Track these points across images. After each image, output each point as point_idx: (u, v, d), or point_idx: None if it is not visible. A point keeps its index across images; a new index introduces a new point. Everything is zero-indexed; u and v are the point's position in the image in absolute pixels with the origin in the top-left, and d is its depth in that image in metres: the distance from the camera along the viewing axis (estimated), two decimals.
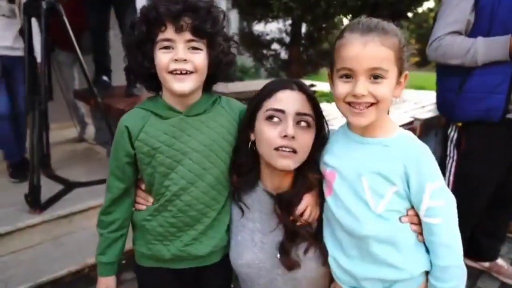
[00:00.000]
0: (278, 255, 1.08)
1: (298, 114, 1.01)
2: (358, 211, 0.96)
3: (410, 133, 0.99)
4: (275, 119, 1.02)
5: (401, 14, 2.35)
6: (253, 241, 1.12)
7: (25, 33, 2.42)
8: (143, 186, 1.13)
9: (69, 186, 2.64)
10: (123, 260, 1.24)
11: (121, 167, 1.07)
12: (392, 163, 0.93)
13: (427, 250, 0.97)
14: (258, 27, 3.27)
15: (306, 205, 1.08)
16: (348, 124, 1.03)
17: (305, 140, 1.02)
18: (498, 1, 1.60)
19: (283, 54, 3.36)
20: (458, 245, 0.93)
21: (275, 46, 3.35)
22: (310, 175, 1.07)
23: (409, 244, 0.96)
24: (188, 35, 0.97)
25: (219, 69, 1.07)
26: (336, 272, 1.06)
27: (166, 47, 0.97)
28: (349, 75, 0.91)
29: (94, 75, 3.36)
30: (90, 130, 3.80)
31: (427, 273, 0.98)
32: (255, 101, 1.08)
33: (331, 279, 1.12)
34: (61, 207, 2.40)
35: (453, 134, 1.83)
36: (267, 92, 1.06)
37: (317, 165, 1.09)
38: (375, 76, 0.89)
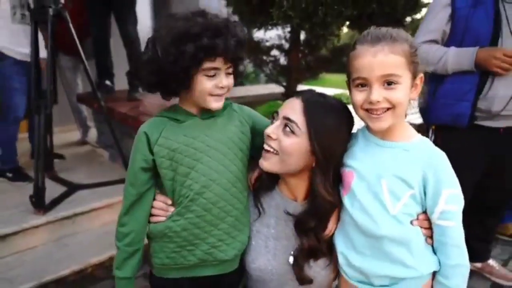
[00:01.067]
0: (292, 260, 1.11)
1: (285, 118, 1.05)
2: (375, 212, 1.00)
3: (428, 140, 1.03)
4: (272, 119, 1.10)
5: (397, 22, 2.41)
6: (267, 247, 1.15)
7: (31, 39, 2.47)
8: (160, 198, 1.14)
9: (72, 188, 2.69)
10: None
11: (136, 172, 1.08)
12: (412, 167, 0.98)
13: (434, 252, 1.03)
14: (258, 34, 3.33)
15: (330, 230, 1.11)
16: (368, 128, 1.07)
17: (287, 144, 1.03)
18: (471, 15, 1.69)
19: (282, 60, 3.43)
20: (465, 246, 0.99)
21: (274, 52, 3.42)
22: (326, 197, 1.05)
23: (420, 246, 1.01)
24: (228, 63, 1.05)
25: (237, 81, 1.15)
26: (344, 268, 1.09)
27: (212, 75, 1.03)
28: (364, 84, 0.96)
29: (97, 79, 3.42)
30: (93, 133, 3.85)
31: (433, 273, 1.03)
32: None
33: (334, 279, 1.17)
34: (64, 208, 2.44)
35: (430, 136, 1.91)
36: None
37: (333, 186, 1.07)
38: (389, 82, 0.94)
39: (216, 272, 1.15)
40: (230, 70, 1.07)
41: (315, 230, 1.09)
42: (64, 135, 3.86)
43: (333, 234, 1.12)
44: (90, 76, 2.76)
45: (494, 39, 1.66)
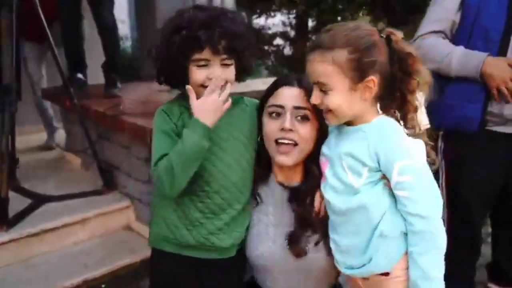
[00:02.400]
0: (287, 244, 1.36)
1: (296, 108, 1.33)
2: (341, 192, 1.26)
3: (386, 118, 1.25)
4: (275, 114, 1.35)
5: (417, 9, 2.53)
6: (268, 234, 1.43)
7: None
8: None
9: (38, 200, 2.77)
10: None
11: (169, 136, 1.32)
12: (365, 146, 1.21)
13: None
14: (259, 21, 3.45)
15: (319, 200, 1.39)
16: None
17: (304, 132, 1.33)
18: (483, 4, 1.77)
19: (287, 50, 3.55)
20: (429, 213, 1.17)
21: (278, 41, 3.54)
22: (314, 170, 1.38)
23: (384, 206, 1.23)
24: (223, 55, 1.28)
25: (243, 75, 1.42)
26: (335, 254, 1.33)
27: (203, 65, 1.28)
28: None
29: (67, 72, 3.46)
30: (60, 136, 3.92)
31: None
32: (262, 99, 1.41)
33: (339, 271, 1.39)
34: (31, 224, 2.51)
35: (439, 142, 1.98)
36: (270, 89, 1.41)
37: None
38: (323, 89, 1.20)
39: (211, 256, 1.42)
40: (228, 62, 1.31)
41: (306, 198, 1.38)
42: (26, 137, 3.92)
43: (324, 217, 1.37)
44: (61, 67, 2.85)
45: (506, 34, 1.75)
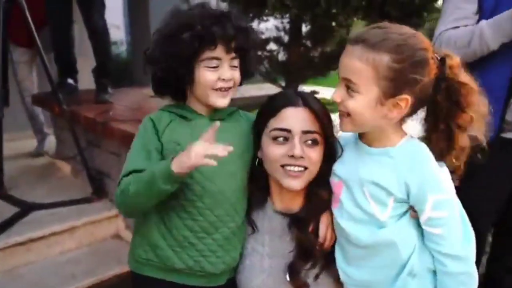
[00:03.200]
0: (288, 277, 1.24)
1: (305, 132, 1.20)
2: (362, 222, 1.14)
3: (416, 142, 1.14)
4: (281, 139, 1.21)
5: (413, 14, 2.54)
6: (262, 266, 1.30)
7: None
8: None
9: (26, 208, 2.71)
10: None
11: (147, 151, 1.22)
12: (393, 175, 1.10)
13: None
14: (251, 25, 3.45)
15: (326, 226, 1.26)
16: (359, 135, 1.21)
17: (313, 157, 1.21)
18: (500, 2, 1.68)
19: (281, 56, 3.54)
20: (464, 253, 1.08)
21: (271, 46, 3.53)
22: (321, 192, 1.26)
23: (413, 242, 1.14)
24: (232, 54, 1.21)
25: (246, 79, 1.34)
26: (347, 285, 1.22)
27: (214, 67, 1.20)
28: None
29: (57, 77, 3.46)
30: (51, 143, 3.88)
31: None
32: (260, 119, 1.28)
33: None
34: (17, 233, 2.47)
35: None
36: (271, 110, 1.25)
37: (327, 180, 1.27)
38: (348, 87, 1.07)
39: (199, 283, 1.28)
40: (235, 63, 1.24)
41: (309, 225, 1.26)
42: (15, 144, 3.88)
43: (331, 247, 1.26)
44: (50, 72, 2.82)
45: None
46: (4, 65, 2.64)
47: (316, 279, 1.25)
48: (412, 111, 1.11)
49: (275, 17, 3.38)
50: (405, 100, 1.05)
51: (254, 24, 3.31)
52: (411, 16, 2.69)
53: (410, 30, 1.08)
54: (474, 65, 1.68)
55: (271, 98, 1.31)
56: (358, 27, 5.37)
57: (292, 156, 1.18)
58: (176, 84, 1.25)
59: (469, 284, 1.10)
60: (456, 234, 1.09)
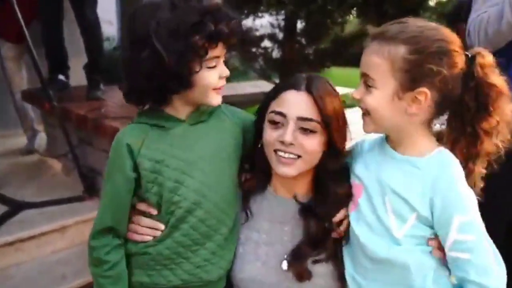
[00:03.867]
0: (285, 266, 1.17)
1: (300, 119, 1.12)
2: (378, 233, 1.07)
3: (447, 155, 1.05)
4: (277, 122, 1.14)
5: (410, 12, 2.52)
6: (256, 254, 1.22)
7: None
8: (142, 206, 1.17)
9: (16, 207, 2.66)
10: None
11: (117, 194, 1.13)
12: (417, 187, 1.02)
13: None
14: (246, 22, 3.41)
15: (341, 217, 1.19)
16: (387, 138, 1.14)
17: (307, 145, 1.12)
18: None
19: (276, 53, 3.51)
20: (492, 280, 1.00)
21: (266, 43, 3.49)
22: (335, 188, 1.19)
23: (430, 268, 1.06)
24: (225, 50, 1.13)
25: None
26: None
27: (214, 66, 1.11)
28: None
29: (48, 73, 3.38)
30: (42, 140, 3.81)
31: None
32: (264, 101, 1.23)
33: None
34: (6, 232, 2.43)
35: None
36: (273, 92, 1.21)
37: (343, 175, 1.20)
38: (368, 84, 1.04)
39: None
40: (225, 58, 1.16)
41: (324, 218, 1.18)
42: (5, 141, 3.83)
43: (338, 240, 1.19)
44: (39, 68, 2.76)
45: None
46: None
47: (315, 264, 1.17)
48: (438, 111, 1.04)
49: (270, 14, 3.34)
50: (424, 93, 0.99)
51: (249, 21, 3.26)
52: (408, 13, 2.67)
53: (432, 24, 1.04)
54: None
55: (279, 82, 1.29)
56: (353, 24, 5.35)
57: (282, 142, 1.12)
58: (170, 89, 1.10)
59: None
60: (487, 259, 1.00)
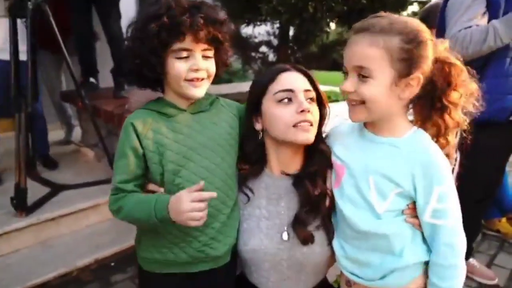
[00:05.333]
0: (286, 237, 1.11)
1: (305, 90, 1.09)
2: (361, 209, 1.01)
3: (422, 134, 1.00)
4: (286, 100, 1.07)
5: None
6: (259, 227, 1.15)
7: (10, 35, 2.39)
8: (151, 186, 1.09)
9: (56, 188, 2.63)
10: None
11: (130, 164, 1.03)
12: (400, 166, 0.96)
13: (424, 241, 1.01)
14: (246, 30, 3.31)
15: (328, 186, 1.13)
16: (364, 122, 1.07)
17: (315, 112, 1.10)
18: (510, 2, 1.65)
19: (271, 57, 3.43)
20: (461, 245, 0.96)
21: (263, 48, 3.41)
22: (325, 147, 1.14)
23: (406, 235, 1.00)
24: (204, 45, 1.02)
25: (222, 71, 1.14)
26: (339, 256, 1.10)
27: (184, 57, 1.01)
28: (346, 72, 0.97)
29: (81, 76, 3.34)
30: (77, 132, 3.76)
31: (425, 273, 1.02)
32: (259, 89, 1.13)
33: (329, 265, 1.18)
34: (48, 210, 2.39)
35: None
36: (269, 77, 1.12)
37: (323, 138, 1.17)
38: (362, 74, 0.93)
39: (207, 267, 1.13)
40: (209, 54, 1.05)
41: (314, 179, 1.11)
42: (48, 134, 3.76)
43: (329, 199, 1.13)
44: (73, 73, 2.69)
45: None
46: (34, 68, 2.49)
47: (315, 218, 1.11)
48: (420, 94, 0.97)
49: (266, 23, 3.25)
50: (417, 78, 0.93)
51: (249, 29, 3.16)
52: None
53: (407, 17, 0.99)
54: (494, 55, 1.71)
55: (265, 71, 1.19)
56: (336, 32, 5.24)
57: (302, 111, 1.05)
58: (151, 75, 1.04)
59: (461, 277, 0.97)
60: (459, 224, 0.96)
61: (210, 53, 1.05)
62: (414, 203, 0.99)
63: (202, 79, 1.04)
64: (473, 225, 2.10)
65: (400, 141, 0.98)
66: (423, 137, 0.99)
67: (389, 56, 0.90)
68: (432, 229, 0.97)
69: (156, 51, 0.99)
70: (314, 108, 1.10)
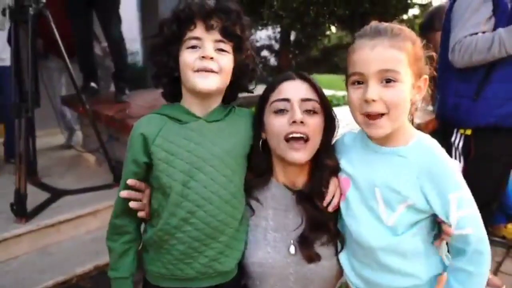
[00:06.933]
0: (293, 250, 1.07)
1: (303, 100, 1.03)
2: (368, 223, 0.96)
3: (427, 140, 0.95)
4: (282, 110, 1.03)
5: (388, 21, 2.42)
6: (266, 240, 1.09)
7: (12, 39, 2.38)
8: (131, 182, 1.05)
9: (56, 194, 2.60)
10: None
11: (128, 175, 1.03)
12: (406, 177, 0.91)
13: (436, 252, 0.97)
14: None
15: (334, 190, 1.07)
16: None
17: (314, 124, 1.02)
18: None
19: (273, 61, 3.41)
20: (489, 252, 0.91)
21: (264, 53, 3.39)
22: (328, 162, 1.07)
23: (419, 252, 0.95)
24: (217, 35, 0.97)
25: (243, 76, 1.07)
26: (348, 272, 1.05)
27: (193, 47, 0.97)
28: (360, 81, 0.91)
29: (82, 81, 3.32)
30: (78, 137, 3.75)
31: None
32: (262, 98, 1.10)
33: (338, 278, 1.13)
34: (48, 216, 2.35)
35: (458, 141, 1.84)
36: (270, 87, 1.09)
37: (332, 151, 1.10)
38: (387, 79, 0.87)
39: (214, 283, 1.08)
40: (224, 47, 0.99)
41: (318, 197, 1.07)
42: (46, 138, 3.74)
43: (335, 215, 1.08)
44: (74, 78, 2.68)
45: None
46: (35, 72, 2.48)
47: (320, 237, 1.07)
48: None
49: (267, 27, 3.23)
50: (425, 80, 0.93)
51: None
52: None
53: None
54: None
55: (272, 79, 1.14)
56: (337, 35, 5.23)
57: (294, 122, 0.99)
58: (165, 71, 1.02)
59: (484, 285, 0.91)
60: (483, 229, 0.91)
61: (225, 46, 0.99)
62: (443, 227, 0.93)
63: (212, 71, 0.97)
64: None
65: (406, 150, 0.94)
66: (429, 143, 0.95)
67: (409, 58, 0.88)
68: (461, 239, 0.90)
69: (169, 45, 0.98)
70: (312, 120, 1.02)
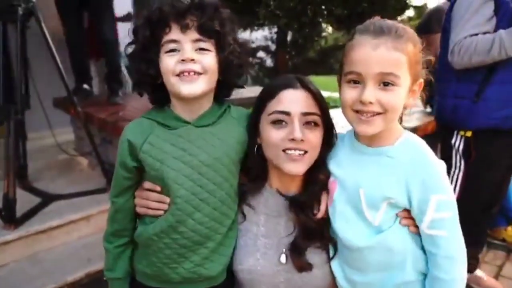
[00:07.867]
0: (284, 259, 1.03)
1: (304, 114, 0.98)
2: (354, 224, 0.94)
3: (414, 139, 0.93)
4: (280, 122, 0.98)
5: None
6: (256, 246, 1.06)
7: None
8: (147, 185, 1.02)
9: (47, 199, 2.53)
10: (104, 277, 1.18)
11: (118, 179, 1.02)
12: (392, 176, 0.89)
13: (424, 251, 0.95)
14: (243, 35, 3.26)
15: (325, 207, 1.04)
16: (355, 133, 0.98)
17: (314, 139, 0.99)
18: None
19: (269, 62, 3.37)
20: (462, 257, 0.89)
21: (260, 54, 3.35)
22: (321, 176, 1.04)
23: (405, 246, 0.93)
24: (194, 35, 0.91)
25: (230, 73, 1.00)
26: (340, 280, 1.03)
27: (172, 50, 0.91)
28: (357, 81, 0.87)
29: (75, 83, 3.26)
30: (70, 141, 3.65)
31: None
32: (258, 102, 1.04)
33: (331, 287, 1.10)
34: (39, 221, 2.28)
35: (458, 143, 1.81)
36: (269, 92, 1.02)
37: (326, 164, 1.06)
38: (386, 82, 0.84)
39: (204, 286, 1.05)
40: (205, 46, 0.93)
41: (310, 208, 1.04)
42: (38, 141, 3.65)
43: (327, 221, 1.05)
44: (65, 80, 2.61)
45: None
46: (25, 74, 2.42)
47: (312, 244, 1.04)
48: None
49: (263, 29, 3.19)
50: (420, 84, 0.90)
51: (246, 34, 3.10)
52: None
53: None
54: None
55: (270, 82, 1.08)
56: (333, 37, 5.19)
57: (293, 140, 0.96)
58: (147, 79, 0.97)
59: None
60: (459, 235, 0.89)
61: (206, 45, 0.92)
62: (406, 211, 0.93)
63: (194, 72, 0.91)
64: (479, 234, 2.03)
65: (392, 150, 0.91)
66: (416, 143, 0.93)
67: (409, 61, 0.84)
68: (431, 240, 0.89)
69: (145, 52, 0.93)
70: (312, 134, 0.98)
